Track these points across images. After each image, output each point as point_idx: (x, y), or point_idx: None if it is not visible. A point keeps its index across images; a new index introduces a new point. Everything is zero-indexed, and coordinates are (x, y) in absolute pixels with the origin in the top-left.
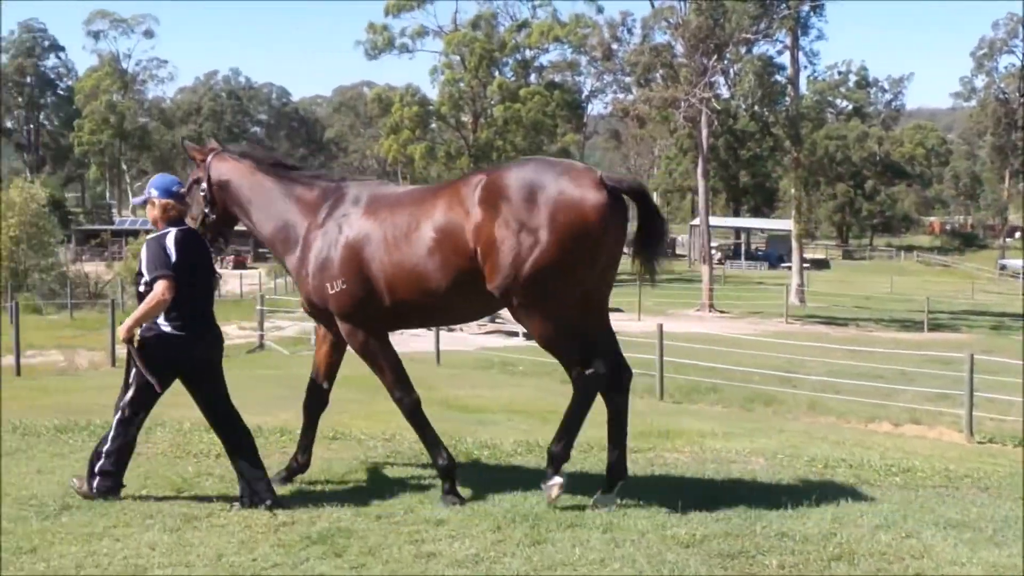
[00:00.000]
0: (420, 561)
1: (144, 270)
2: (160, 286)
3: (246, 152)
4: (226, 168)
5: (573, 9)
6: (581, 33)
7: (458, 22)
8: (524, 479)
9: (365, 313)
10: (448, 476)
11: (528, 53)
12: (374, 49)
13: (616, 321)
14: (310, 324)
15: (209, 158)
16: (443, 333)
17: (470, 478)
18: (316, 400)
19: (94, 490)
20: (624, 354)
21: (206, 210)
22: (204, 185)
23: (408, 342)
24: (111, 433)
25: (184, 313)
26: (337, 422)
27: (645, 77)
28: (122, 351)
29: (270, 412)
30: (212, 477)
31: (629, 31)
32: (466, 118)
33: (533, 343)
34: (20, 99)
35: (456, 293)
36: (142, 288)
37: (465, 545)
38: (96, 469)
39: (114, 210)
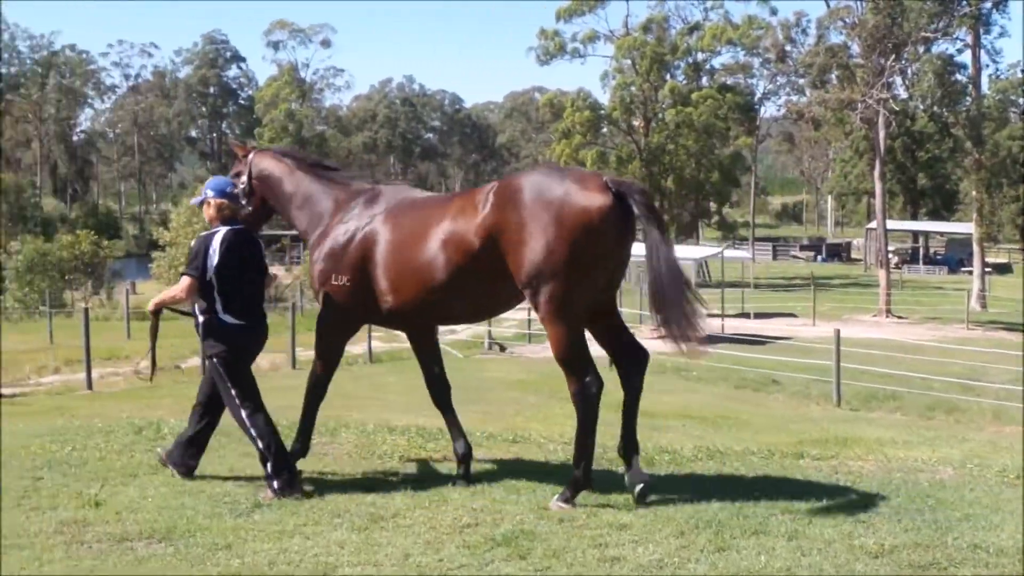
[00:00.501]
0: (604, 565)
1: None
2: (183, 282)
3: (287, 151)
4: (267, 164)
5: (746, 11)
6: (754, 35)
7: (629, 26)
8: (705, 485)
9: (354, 309)
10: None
11: (700, 56)
12: (546, 55)
13: (792, 326)
14: (483, 328)
15: (251, 154)
16: None
17: (655, 484)
18: (437, 387)
19: (279, 492)
20: (800, 359)
21: (243, 202)
22: (244, 179)
23: None
24: (253, 435)
25: (237, 305)
26: (514, 425)
27: (820, 79)
28: (302, 355)
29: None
30: (397, 478)
31: (803, 32)
32: (637, 122)
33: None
34: (204, 109)
35: (457, 293)
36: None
37: (649, 550)
38: (268, 472)
39: None
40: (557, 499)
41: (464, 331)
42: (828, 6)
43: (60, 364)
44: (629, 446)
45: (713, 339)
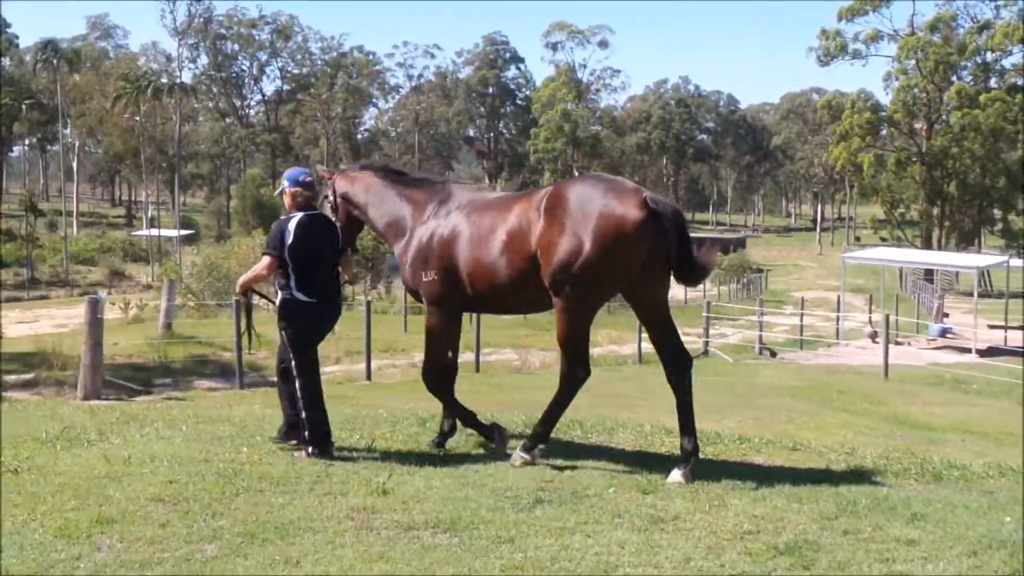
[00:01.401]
0: None
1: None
2: (264, 260)
3: (364, 164)
4: (347, 182)
5: None
6: None
7: (915, 25)
8: (999, 504)
9: (447, 300)
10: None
11: (989, 56)
12: (826, 55)
13: None
14: (753, 332)
15: (334, 177)
16: (892, 347)
17: (937, 498)
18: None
19: (310, 453)
20: None
21: (333, 219)
22: (331, 198)
23: (853, 355)
24: (301, 404)
25: (311, 285)
26: (786, 432)
27: None
28: (485, 359)
29: (713, 418)
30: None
31: None
32: (919, 125)
33: (986, 360)
34: (482, 108)
35: (518, 287)
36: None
37: (939, 568)
38: (306, 436)
39: None
40: (519, 450)
41: (734, 335)
42: None
43: (341, 355)
44: (687, 442)
45: (994, 351)
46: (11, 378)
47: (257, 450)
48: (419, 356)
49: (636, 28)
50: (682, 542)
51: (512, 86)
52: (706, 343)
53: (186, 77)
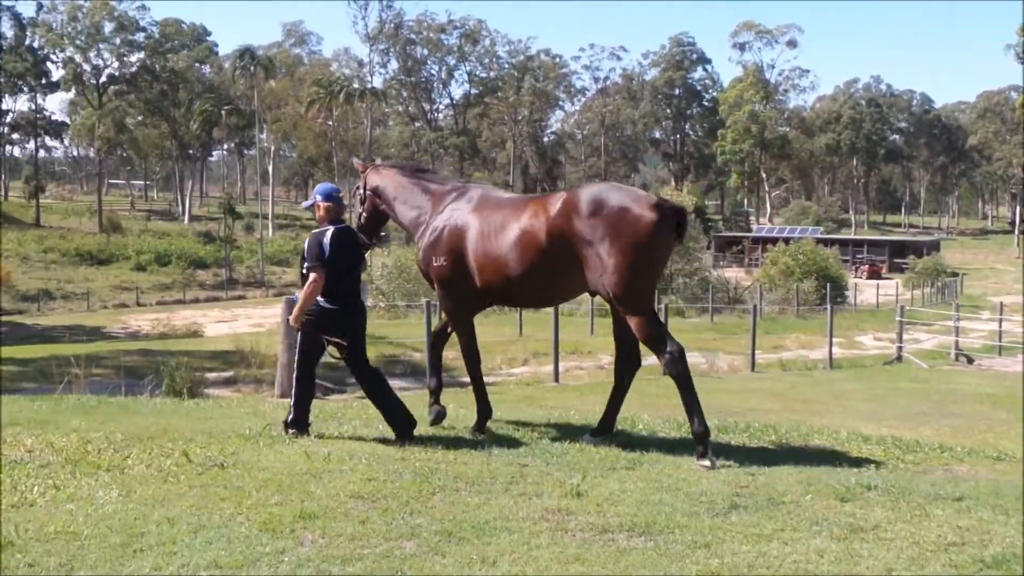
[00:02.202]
0: None
1: (305, 259)
2: (314, 275)
3: (393, 163)
4: (377, 176)
5: None
6: None
7: None
8: None
9: (456, 286)
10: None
11: None
12: None
13: None
14: (949, 338)
15: (368, 170)
16: None
17: None
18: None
19: (288, 429)
20: None
21: (359, 209)
22: (361, 191)
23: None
24: (294, 390)
25: (337, 292)
26: (985, 441)
27: None
28: (761, 358)
29: (910, 426)
30: (876, 489)
31: None
32: None
33: None
34: (668, 110)
35: (528, 281)
36: (304, 271)
37: None
38: (287, 420)
39: (752, 218)
40: (702, 460)
41: (928, 341)
42: None
43: (528, 356)
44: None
45: None
46: (212, 375)
47: (452, 449)
48: (607, 359)
49: (826, 27)
50: (883, 552)
51: (699, 87)
52: (899, 348)
53: (377, 82)
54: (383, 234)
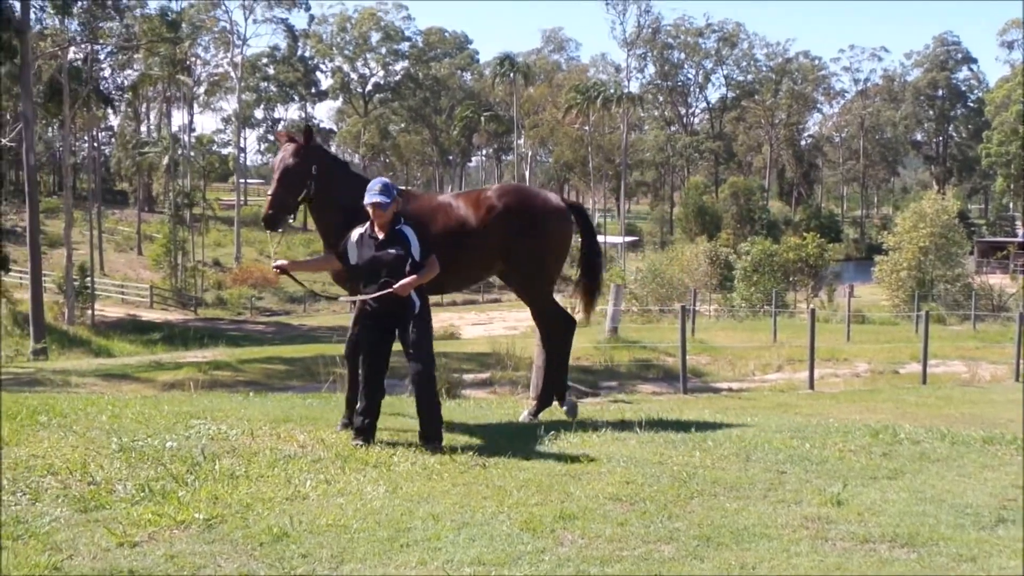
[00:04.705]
0: None
1: (419, 252)
2: (434, 259)
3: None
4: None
5: None
6: None
7: None
8: None
9: None
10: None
11: None
12: None
13: None
14: None
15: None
16: None
17: None
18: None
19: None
20: None
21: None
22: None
23: None
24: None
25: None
26: None
27: None
28: None
29: None
30: None
31: None
32: None
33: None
34: (931, 112)
35: (453, 272)
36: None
37: None
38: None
39: (1018, 222)
40: (526, 414)
41: None
42: None
43: (783, 362)
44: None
45: None
46: (468, 376)
47: (709, 454)
48: (863, 365)
49: None
50: None
51: (963, 88)
52: None
53: (633, 87)
54: None
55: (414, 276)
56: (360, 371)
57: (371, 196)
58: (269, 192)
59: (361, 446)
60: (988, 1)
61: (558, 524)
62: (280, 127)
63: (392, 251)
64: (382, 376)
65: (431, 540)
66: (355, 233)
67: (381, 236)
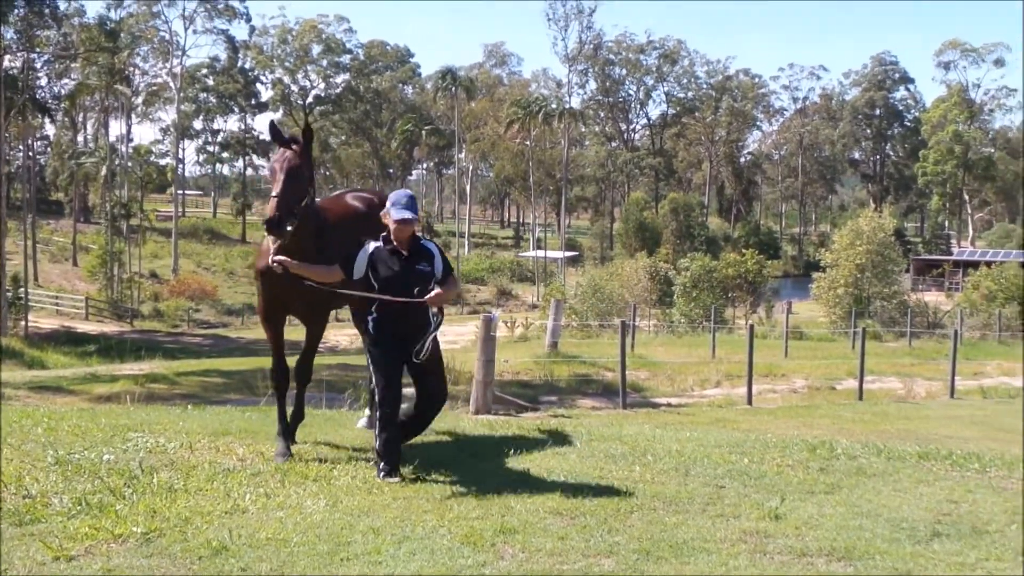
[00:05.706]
0: None
1: (443, 269)
2: (456, 276)
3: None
4: None
5: None
6: None
7: None
8: None
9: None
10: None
11: None
12: None
13: None
14: None
15: None
16: None
17: None
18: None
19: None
20: None
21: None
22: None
23: None
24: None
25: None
26: None
27: None
28: (960, 384)
29: None
30: None
31: None
32: None
33: None
34: (868, 130)
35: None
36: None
37: None
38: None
39: (953, 240)
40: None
41: None
42: None
43: (721, 378)
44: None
45: None
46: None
47: (649, 469)
48: (800, 381)
49: None
50: None
51: (900, 107)
52: None
53: (575, 102)
54: None
55: (439, 290)
56: (376, 388)
57: (399, 211)
58: (273, 194)
59: (398, 482)
60: (927, 21)
61: (499, 538)
62: (219, 137)
63: (420, 267)
64: (400, 399)
65: (371, 554)
66: (370, 246)
67: (406, 252)
